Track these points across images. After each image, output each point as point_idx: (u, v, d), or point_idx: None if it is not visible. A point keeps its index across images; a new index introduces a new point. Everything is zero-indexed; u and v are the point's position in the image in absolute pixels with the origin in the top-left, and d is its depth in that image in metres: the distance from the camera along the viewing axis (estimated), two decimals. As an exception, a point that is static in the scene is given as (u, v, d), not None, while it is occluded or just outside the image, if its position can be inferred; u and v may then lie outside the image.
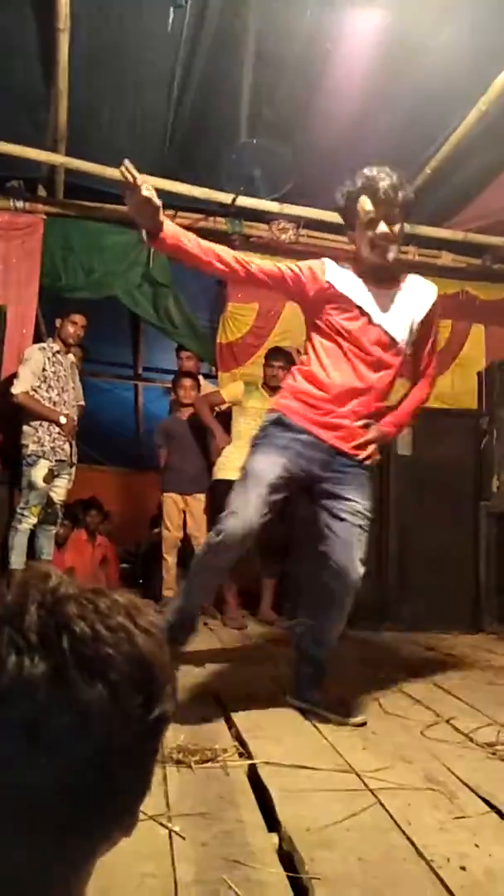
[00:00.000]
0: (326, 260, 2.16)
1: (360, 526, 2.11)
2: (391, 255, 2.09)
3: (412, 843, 1.32)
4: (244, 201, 4.25)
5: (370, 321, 2.12)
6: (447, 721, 2.13)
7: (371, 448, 2.18)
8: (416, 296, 2.20)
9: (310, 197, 4.40)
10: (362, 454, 2.16)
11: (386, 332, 2.14)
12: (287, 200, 4.39)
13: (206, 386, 4.61)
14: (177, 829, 1.31)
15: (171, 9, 3.05)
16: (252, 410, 4.04)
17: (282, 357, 4.14)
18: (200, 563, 2.20)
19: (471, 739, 1.97)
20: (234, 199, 4.18)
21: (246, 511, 2.00)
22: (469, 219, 4.60)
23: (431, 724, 2.09)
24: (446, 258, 5.04)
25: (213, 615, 3.92)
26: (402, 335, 2.16)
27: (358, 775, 1.64)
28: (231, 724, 2.00)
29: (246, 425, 4.03)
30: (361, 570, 2.11)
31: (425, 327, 2.23)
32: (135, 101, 3.78)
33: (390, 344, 2.15)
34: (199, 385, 4.35)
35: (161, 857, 1.21)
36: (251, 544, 2.10)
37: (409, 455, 4.19)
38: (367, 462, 2.19)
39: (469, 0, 2.95)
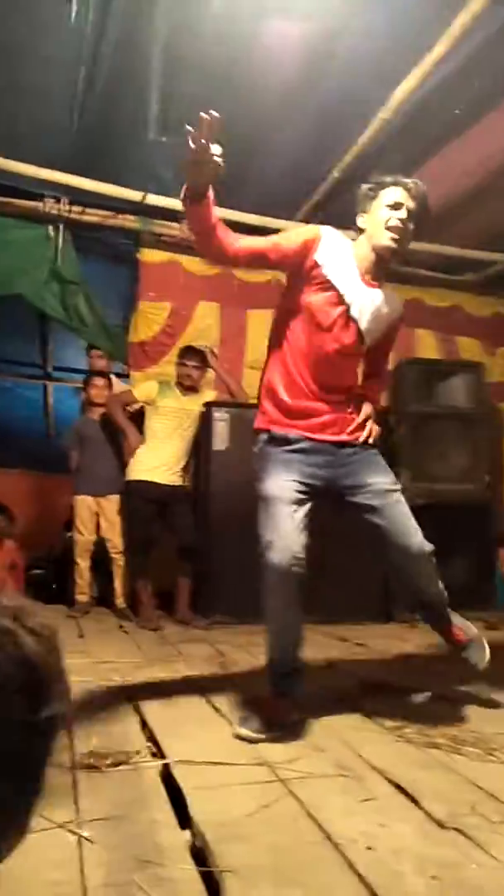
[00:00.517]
0: (322, 231, 2.03)
1: (396, 500, 2.09)
2: (398, 248, 2.03)
3: (321, 829, 1.35)
4: (154, 199, 4.21)
5: (348, 312, 2.04)
6: (357, 708, 2.20)
7: (370, 425, 2.15)
8: (390, 304, 2.13)
9: (220, 197, 4.41)
10: (363, 435, 2.12)
11: (358, 329, 2.06)
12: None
13: (119, 385, 4.55)
14: (86, 834, 1.29)
15: (72, 1, 2.98)
16: (166, 410, 4.02)
17: (195, 356, 4.14)
18: (269, 610, 2.05)
19: (379, 724, 2.05)
20: (143, 198, 4.14)
21: (281, 538, 1.95)
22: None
23: (342, 712, 2.15)
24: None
25: (129, 617, 3.87)
26: (370, 338, 2.11)
27: (270, 767, 1.67)
28: (145, 726, 1.98)
29: (160, 424, 4.00)
30: (421, 535, 2.10)
31: (389, 336, 2.22)
32: (37, 95, 3.66)
33: (357, 342, 2.08)
34: (110, 384, 4.28)
35: (70, 863, 1.18)
36: (303, 568, 1.99)
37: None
38: (371, 441, 2.15)
39: (371, 7, 3.04)
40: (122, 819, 1.36)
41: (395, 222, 2.01)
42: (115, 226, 4.66)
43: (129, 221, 4.62)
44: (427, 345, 5.30)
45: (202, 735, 1.90)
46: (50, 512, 6.21)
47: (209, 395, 4.15)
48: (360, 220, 2.09)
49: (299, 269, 2.02)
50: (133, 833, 1.31)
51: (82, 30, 3.16)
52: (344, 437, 2.09)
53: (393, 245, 2.03)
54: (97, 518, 4.08)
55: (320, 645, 3.32)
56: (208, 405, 4.11)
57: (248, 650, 3.09)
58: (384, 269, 2.10)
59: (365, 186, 2.10)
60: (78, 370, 6.11)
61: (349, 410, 2.13)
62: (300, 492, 2.00)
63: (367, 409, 2.18)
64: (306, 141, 3.89)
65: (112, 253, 4.94)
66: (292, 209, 4.58)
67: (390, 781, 1.61)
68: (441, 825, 1.39)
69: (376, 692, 2.40)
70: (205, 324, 4.80)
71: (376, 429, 2.19)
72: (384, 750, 1.83)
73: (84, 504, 4.08)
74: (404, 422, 4.44)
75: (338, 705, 2.25)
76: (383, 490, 2.09)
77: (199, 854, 1.27)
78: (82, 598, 4.04)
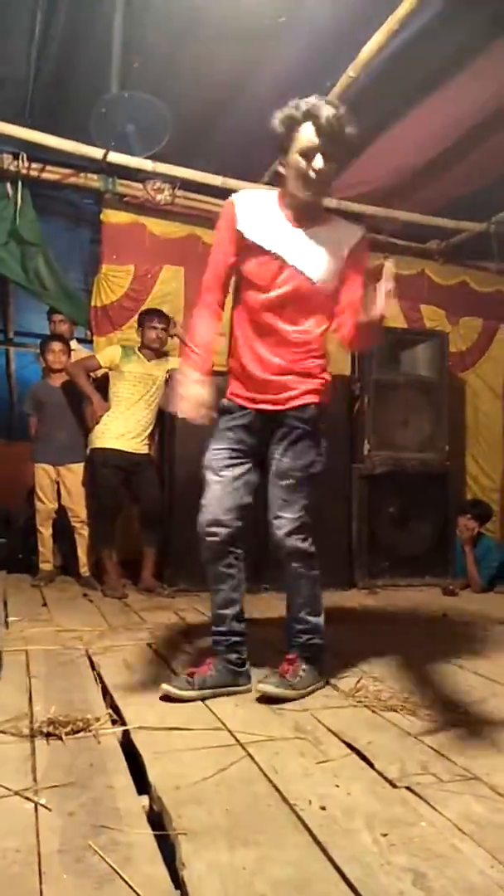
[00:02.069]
0: (234, 199, 2.03)
1: (286, 485, 2.04)
2: (320, 193, 2.00)
3: (277, 790, 1.39)
4: (116, 158, 4.07)
5: (284, 263, 2.00)
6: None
7: (298, 391, 2.05)
8: (340, 235, 2.06)
9: (185, 157, 4.31)
10: (291, 402, 2.05)
11: (301, 272, 2.00)
12: (162, 159, 4.27)
13: (81, 351, 4.46)
14: (42, 801, 1.29)
15: None
16: (130, 375, 3.96)
17: (157, 317, 4.07)
18: (207, 571, 2.12)
19: (336, 688, 2.09)
20: (105, 155, 4.00)
21: (211, 503, 2.02)
22: (343, 186, 4.67)
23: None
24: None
25: (94, 586, 3.87)
26: (319, 275, 2.01)
27: (229, 731, 1.70)
28: (106, 693, 1.99)
29: (125, 390, 3.95)
30: (289, 526, 2.05)
31: (351, 269, 2.06)
32: (-7, 44, 3.50)
33: (306, 285, 2.01)
34: (69, 349, 4.18)
35: (25, 831, 1.19)
36: (238, 533, 2.05)
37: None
38: (302, 412, 2.05)
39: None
40: (80, 786, 1.37)
41: (311, 174, 1.92)
42: (77, 185, 4.51)
43: (92, 181, 4.47)
44: (391, 313, 5.29)
45: (163, 702, 1.91)
46: (13, 480, 6.13)
47: (174, 361, 4.10)
48: (280, 166, 2.02)
49: (238, 247, 2.03)
50: (90, 799, 1.32)
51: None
52: (278, 407, 2.05)
53: (312, 197, 1.99)
54: (57, 486, 4.03)
55: (281, 611, 3.35)
56: (172, 372, 4.06)
57: (209, 617, 3.11)
58: (313, 207, 2.04)
59: (278, 123, 1.95)
60: (41, 335, 5.95)
61: (292, 379, 2.05)
62: (231, 458, 2.05)
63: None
64: (272, 101, 3.77)
65: (73, 213, 4.79)
66: (259, 170, 4.48)
67: (346, 744, 1.65)
68: (393, 784, 1.43)
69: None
70: (170, 287, 4.70)
71: (311, 399, 2.06)
72: (341, 714, 1.87)
73: (44, 472, 4.01)
74: (367, 390, 4.46)
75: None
76: (282, 470, 2.05)
77: (158, 818, 1.29)
78: (45, 566, 4.01)
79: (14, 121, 3.91)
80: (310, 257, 2.02)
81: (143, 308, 4.40)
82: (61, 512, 4.05)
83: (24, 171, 4.28)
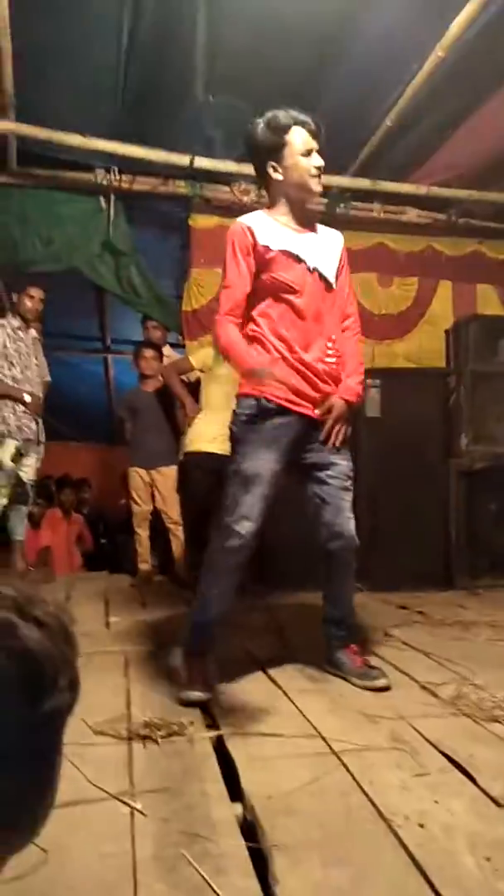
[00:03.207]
0: (245, 222, 2.10)
1: (346, 487, 2.19)
2: (319, 189, 2.11)
3: (373, 804, 1.35)
4: (202, 162, 4.13)
5: (308, 268, 2.10)
6: (413, 679, 2.17)
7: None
8: (331, 241, 2.21)
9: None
10: (318, 414, 2.14)
11: (323, 276, 2.13)
12: (247, 160, 4.27)
13: (173, 355, 4.55)
14: (139, 806, 1.32)
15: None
16: (222, 378, 3.99)
17: None
18: (214, 568, 2.12)
19: (435, 696, 2.01)
20: (191, 161, 4.06)
21: (249, 515, 2.06)
22: (433, 172, 4.51)
23: (397, 684, 2.13)
24: (411, 214, 4.96)
25: (190, 587, 3.93)
26: (333, 276, 2.16)
27: (324, 739, 1.67)
28: (201, 695, 2.01)
29: (216, 393, 3.98)
30: (353, 525, 2.21)
31: (342, 272, 2.22)
32: (82, 61, 3.61)
33: (327, 288, 2.14)
34: (161, 355, 4.28)
35: (121, 835, 1.22)
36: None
37: (377, 416, 4.19)
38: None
39: None
40: (175, 791, 1.39)
41: (314, 171, 2.07)
42: (166, 193, 4.61)
43: (180, 187, 4.56)
44: (488, 300, 5.07)
45: (256, 705, 1.91)
46: (113, 484, 6.37)
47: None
48: (272, 168, 2.09)
49: (260, 264, 2.07)
50: (184, 805, 1.34)
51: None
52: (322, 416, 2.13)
53: (318, 193, 2.13)
54: (151, 489, 4.14)
55: (379, 613, 3.29)
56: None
57: (306, 619, 3.08)
58: (308, 213, 2.19)
59: (262, 132, 2.08)
60: (136, 342, 6.15)
61: (331, 389, 2.15)
62: (277, 471, 2.08)
63: (336, 410, 2.16)
64: (356, 90, 3.70)
65: (164, 221, 4.90)
66: (348, 160, 4.40)
67: (445, 756, 1.58)
68: (497, 803, 1.36)
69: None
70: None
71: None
72: (440, 723, 1.80)
73: (138, 475, 4.13)
74: (464, 381, 4.28)
75: (390, 674, 2.23)
76: (343, 473, 2.19)
77: (250, 828, 1.29)
78: (144, 567, 4.12)
79: (105, 136, 4.05)
80: (323, 260, 2.14)
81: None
82: (156, 514, 4.15)
83: (115, 184, 4.41)
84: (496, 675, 2.23)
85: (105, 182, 4.40)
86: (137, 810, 1.30)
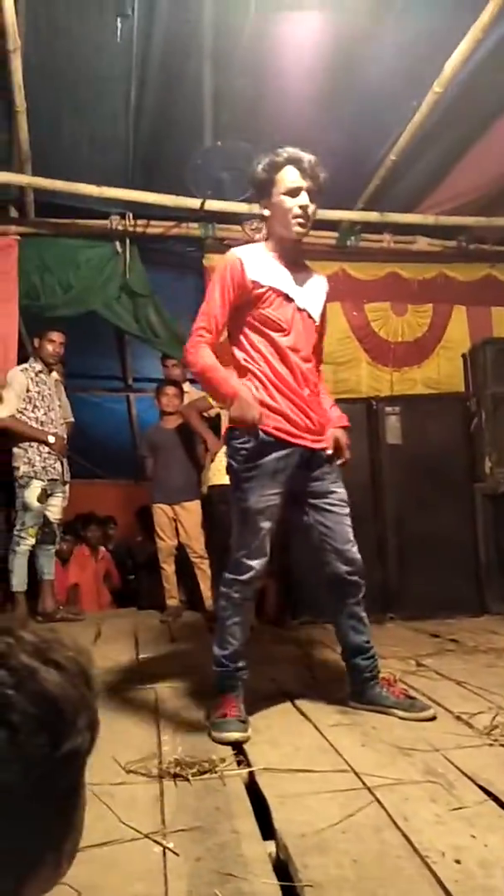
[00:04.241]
0: (238, 255, 2.11)
1: (347, 514, 2.23)
2: (304, 231, 2.11)
3: (408, 840, 1.32)
4: (213, 205, 4.24)
5: (297, 308, 2.14)
6: (447, 709, 2.13)
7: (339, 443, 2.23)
8: (317, 280, 2.25)
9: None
10: (330, 451, 2.21)
11: (310, 316, 2.17)
12: (256, 200, 4.38)
13: (193, 392, 4.61)
14: (171, 845, 1.31)
15: (118, 19, 3.04)
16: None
17: None
18: (229, 602, 2.15)
19: (470, 726, 1.98)
20: (202, 205, 4.17)
21: (262, 549, 2.11)
22: (440, 201, 4.58)
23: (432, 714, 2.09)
24: (422, 243, 5.01)
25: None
26: (317, 315, 2.20)
27: (356, 774, 1.65)
28: (231, 732, 2.00)
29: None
30: (357, 551, 2.24)
31: (324, 314, 2.25)
32: (93, 114, 3.78)
33: (314, 327, 2.18)
34: (181, 392, 4.34)
35: (154, 875, 1.21)
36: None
37: (399, 443, 4.19)
38: (337, 459, 2.24)
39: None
40: (207, 829, 1.38)
41: (297, 211, 2.06)
42: (180, 235, 4.73)
43: (193, 229, 4.68)
44: (504, 322, 5.07)
45: (288, 741, 1.89)
46: (140, 520, 6.40)
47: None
48: (263, 208, 2.16)
49: (247, 298, 2.09)
50: (216, 844, 1.33)
51: (129, 44, 3.22)
52: (319, 446, 2.17)
53: (299, 235, 2.12)
54: (175, 524, 4.16)
55: (410, 642, 3.25)
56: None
57: (334, 650, 3.06)
58: (299, 251, 2.21)
59: (257, 170, 2.12)
60: (157, 380, 6.25)
61: (321, 417, 2.20)
62: (278, 504, 2.12)
63: (341, 437, 2.24)
64: (359, 129, 3.80)
65: (179, 262, 5.01)
66: (353, 197, 4.49)
67: (482, 788, 1.55)
68: (536, 837, 1.32)
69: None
70: (274, 323, 4.78)
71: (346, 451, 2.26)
72: (475, 755, 1.76)
73: (161, 511, 4.16)
74: (484, 405, 4.27)
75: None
76: (342, 500, 2.22)
77: (283, 867, 1.27)
78: (172, 602, 4.13)
79: (118, 184, 4.19)
80: (309, 299, 2.18)
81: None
82: (181, 549, 4.17)
83: (130, 229, 4.54)
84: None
85: (120, 227, 4.54)
86: (169, 849, 1.29)
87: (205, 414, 4.16)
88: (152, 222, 4.60)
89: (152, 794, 1.57)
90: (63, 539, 4.75)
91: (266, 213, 2.15)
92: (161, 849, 1.31)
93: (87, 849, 1.31)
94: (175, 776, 1.65)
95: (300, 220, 2.08)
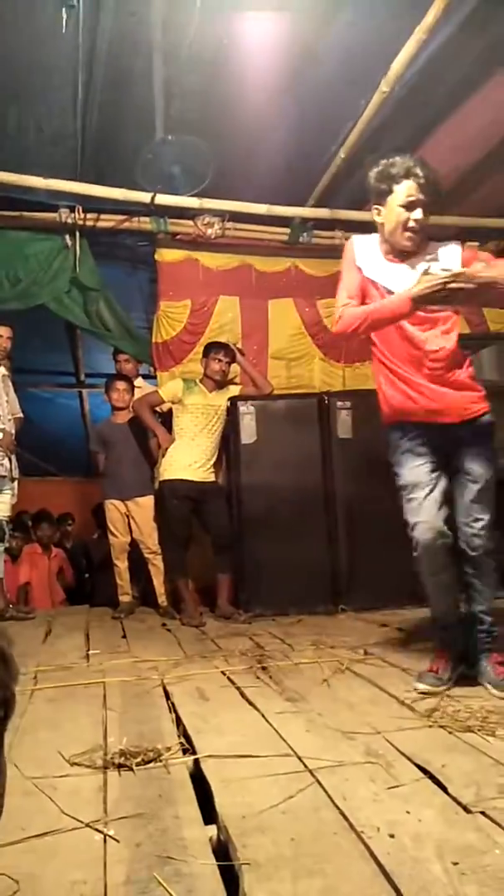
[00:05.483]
0: (355, 240, 2.29)
1: (482, 489, 2.23)
2: (417, 239, 2.19)
3: (345, 818, 1.36)
4: (164, 199, 4.23)
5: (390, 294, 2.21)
6: (391, 695, 2.19)
7: (474, 398, 2.25)
8: (442, 257, 2.21)
9: (230, 190, 4.41)
10: (468, 413, 2.24)
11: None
12: (209, 195, 4.39)
13: (145, 387, 4.59)
14: (111, 832, 1.32)
15: (64, 10, 3.01)
16: (193, 407, 4.05)
17: (223, 350, 4.15)
18: (424, 580, 2.30)
19: (413, 710, 2.03)
20: (152, 199, 4.16)
21: (425, 516, 2.19)
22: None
23: (375, 699, 2.14)
24: (373, 240, 5.08)
25: (172, 615, 3.93)
26: (423, 305, 2.15)
27: (299, 758, 1.68)
28: (179, 722, 2.01)
29: (188, 422, 4.03)
30: (486, 527, 2.24)
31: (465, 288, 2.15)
32: (41, 106, 3.72)
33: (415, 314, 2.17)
34: (132, 387, 4.32)
35: (93, 862, 1.22)
36: (447, 542, 2.21)
37: (350, 437, 4.24)
38: (479, 419, 2.25)
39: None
40: (148, 816, 1.39)
41: (411, 224, 2.16)
42: (131, 229, 4.70)
43: (145, 224, 4.65)
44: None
45: (235, 730, 1.91)
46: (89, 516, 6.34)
47: (234, 389, 4.16)
48: (377, 215, 2.22)
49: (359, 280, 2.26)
50: (157, 829, 1.34)
51: (75, 36, 3.19)
52: (453, 419, 2.23)
53: (410, 245, 2.19)
54: (128, 520, 4.14)
55: (360, 632, 3.31)
56: (234, 400, 4.12)
57: (285, 641, 3.10)
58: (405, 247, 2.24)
59: (375, 178, 2.19)
60: (109, 375, 6.20)
61: (454, 388, 2.24)
62: (433, 471, 2.22)
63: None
64: (309, 127, 3.85)
65: (130, 256, 4.99)
66: (304, 194, 4.54)
67: (419, 767, 1.60)
68: (467, 810, 1.38)
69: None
70: (227, 318, 4.80)
71: (482, 407, 2.27)
72: (415, 736, 1.81)
73: (114, 507, 4.14)
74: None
75: (368, 690, 2.25)
76: (475, 476, 2.25)
77: (223, 848, 1.29)
78: (125, 598, 4.11)
79: (67, 176, 4.14)
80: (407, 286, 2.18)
81: (206, 340, 4.51)
82: (135, 544, 4.16)
83: (80, 223, 4.50)
84: (472, 686, 2.26)
85: (69, 221, 4.49)
86: (110, 836, 1.30)
87: (156, 409, 4.15)
88: (103, 216, 4.56)
89: (96, 784, 1.57)
90: (12, 536, 4.68)
91: (379, 220, 2.22)
92: (101, 837, 1.31)
93: (27, 840, 1.31)
94: (119, 766, 1.65)
95: (411, 234, 2.17)
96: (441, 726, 1.88)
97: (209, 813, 1.43)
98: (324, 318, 5.01)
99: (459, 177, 4.34)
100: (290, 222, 4.81)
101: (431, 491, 2.21)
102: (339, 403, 4.29)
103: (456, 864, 1.17)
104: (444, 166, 4.25)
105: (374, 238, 2.28)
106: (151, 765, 1.67)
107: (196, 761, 1.69)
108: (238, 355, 4.26)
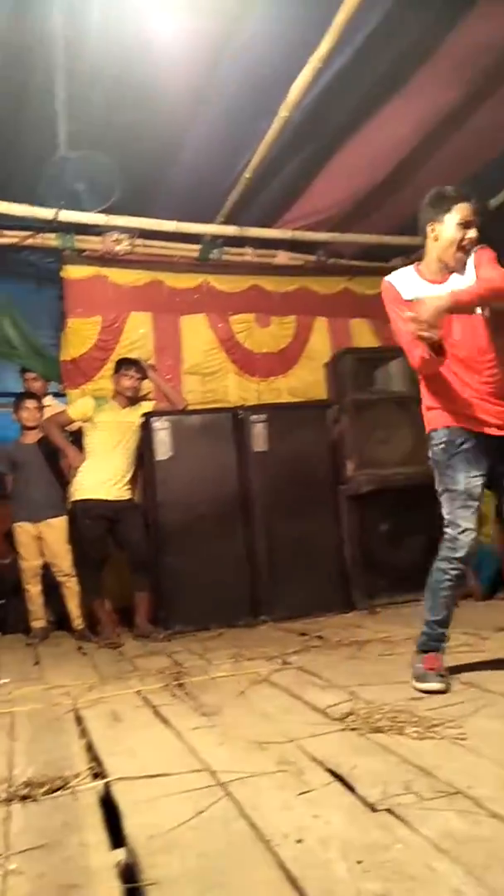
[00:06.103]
0: (390, 280, 2.38)
1: None
2: (464, 262, 2.30)
3: (254, 828, 1.35)
4: (69, 215, 4.17)
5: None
6: (306, 702, 2.21)
7: None
8: (470, 265, 2.32)
9: (140, 206, 4.41)
10: None
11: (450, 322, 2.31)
12: (117, 211, 4.36)
13: (56, 406, 4.49)
14: (13, 866, 1.26)
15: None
16: (104, 424, 3.99)
17: (133, 366, 4.12)
18: (441, 583, 2.35)
19: (326, 716, 2.06)
20: (55, 215, 4.09)
21: (472, 524, 2.30)
22: (297, 217, 4.77)
23: (291, 707, 2.16)
24: (283, 257, 5.19)
25: (88, 638, 3.83)
26: (460, 325, 2.31)
27: (210, 772, 1.66)
28: (91, 747, 1.96)
29: (100, 440, 3.97)
30: None
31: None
32: None
33: (475, 318, 2.29)
34: (41, 406, 4.22)
35: (-9, 899, 1.16)
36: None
37: (265, 450, 4.29)
38: None
39: (261, 5, 3.05)
40: (52, 846, 1.34)
41: (468, 242, 2.29)
42: (36, 245, 4.60)
43: (50, 240, 4.57)
44: (362, 332, 5.35)
45: (146, 749, 1.88)
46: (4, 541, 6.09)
47: (146, 405, 4.13)
48: (431, 230, 2.33)
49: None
50: (62, 859, 1.29)
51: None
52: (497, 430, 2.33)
53: (458, 264, 2.30)
54: (39, 543, 4.02)
55: (279, 642, 3.33)
56: (147, 416, 4.09)
57: (204, 657, 3.08)
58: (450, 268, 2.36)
59: (433, 200, 2.32)
60: (16, 394, 6.01)
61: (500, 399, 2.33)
62: (480, 483, 2.32)
63: None
64: (214, 147, 3.90)
65: (36, 273, 4.88)
66: (213, 212, 4.59)
67: (329, 771, 1.62)
68: (373, 808, 1.40)
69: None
70: (138, 334, 4.77)
71: None
72: (328, 741, 1.83)
73: (23, 530, 4.01)
74: (344, 411, 4.48)
75: (283, 699, 2.26)
76: None
77: (130, 870, 1.26)
78: (37, 623, 3.98)
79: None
80: None
81: (117, 356, 4.45)
82: (47, 568, 4.03)
83: (-19, 238, 4.37)
84: (384, 687, 2.31)
85: (-31, 235, 4.36)
86: (11, 871, 1.24)
87: (66, 428, 4.06)
88: (6, 232, 4.45)
89: (-3, 818, 1.50)
90: None
91: (434, 237, 2.31)
92: (2, 872, 1.25)
93: None
94: (24, 798, 1.58)
95: (462, 254, 2.28)
96: (353, 729, 1.91)
97: (120, 836, 1.39)
98: (237, 334, 5.07)
99: (360, 197, 4.50)
100: (200, 239, 4.85)
101: (479, 505, 2.35)
102: (254, 417, 4.34)
103: (360, 862, 1.18)
104: (345, 187, 4.45)
105: (407, 271, 2.40)
106: (58, 793, 1.61)
107: (107, 785, 1.64)
108: (150, 371, 4.25)
